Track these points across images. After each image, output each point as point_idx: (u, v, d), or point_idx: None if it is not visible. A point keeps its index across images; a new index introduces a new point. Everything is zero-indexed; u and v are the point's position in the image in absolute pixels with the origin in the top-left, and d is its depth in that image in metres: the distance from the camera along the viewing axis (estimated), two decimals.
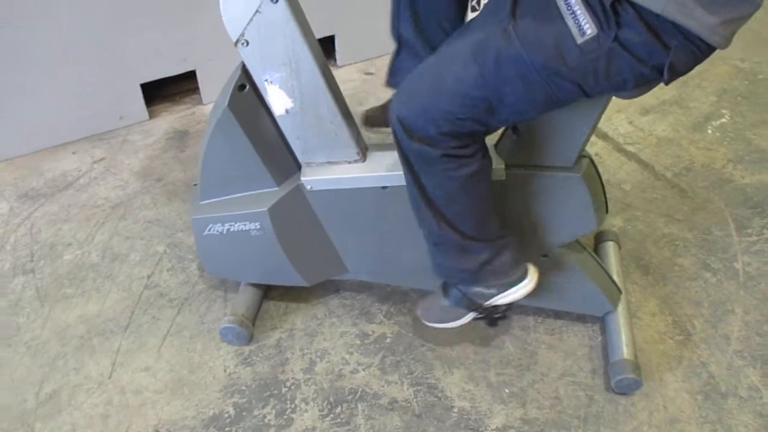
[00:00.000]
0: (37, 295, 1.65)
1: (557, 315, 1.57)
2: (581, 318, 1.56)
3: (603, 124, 2.15)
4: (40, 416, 1.39)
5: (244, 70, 1.29)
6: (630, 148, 2.10)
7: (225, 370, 1.48)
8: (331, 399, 1.42)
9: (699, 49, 0.99)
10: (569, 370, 1.46)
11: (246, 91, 1.30)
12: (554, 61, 1.00)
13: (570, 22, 0.98)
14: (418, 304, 1.43)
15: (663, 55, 0.98)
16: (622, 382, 1.39)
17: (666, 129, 2.18)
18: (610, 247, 1.66)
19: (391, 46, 2.65)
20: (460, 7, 1.36)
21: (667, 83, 1.03)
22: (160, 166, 2.05)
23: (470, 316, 1.34)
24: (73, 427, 1.38)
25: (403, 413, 1.39)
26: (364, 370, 1.47)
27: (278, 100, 1.29)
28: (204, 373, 1.47)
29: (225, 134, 1.33)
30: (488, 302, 1.31)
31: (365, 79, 2.45)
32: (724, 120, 2.21)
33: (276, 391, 1.43)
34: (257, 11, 1.18)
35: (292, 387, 1.44)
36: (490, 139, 1.37)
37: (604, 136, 2.12)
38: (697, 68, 1.07)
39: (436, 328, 1.39)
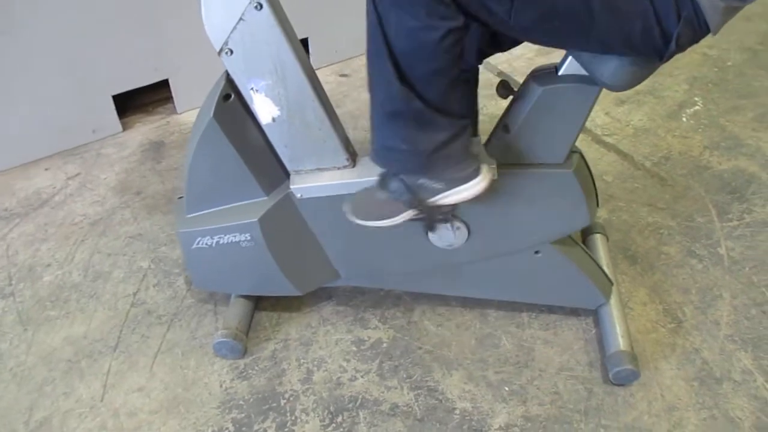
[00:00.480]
0: (19, 319, 1.59)
1: (551, 310, 1.58)
2: (574, 312, 1.57)
3: None
4: None
5: (229, 80, 1.27)
6: (608, 139, 2.12)
7: (221, 386, 1.45)
8: (332, 408, 1.40)
9: (700, 28, 1.01)
10: (567, 364, 1.47)
11: (231, 101, 1.28)
12: None
13: None
14: (345, 202, 1.29)
15: (674, 22, 0.99)
16: (620, 373, 1.40)
17: (642, 119, 2.21)
18: (598, 239, 1.68)
19: (364, 47, 2.63)
20: None
21: (663, 59, 1.04)
22: (137, 179, 2.00)
23: (409, 213, 1.23)
24: None
25: (405, 418, 1.38)
26: (362, 376, 1.46)
27: (264, 109, 1.26)
28: (199, 389, 1.44)
29: (211, 145, 1.30)
30: (432, 199, 1.20)
31: (341, 81, 2.43)
32: (697, 107, 2.25)
33: (275, 404, 1.41)
34: (241, 19, 1.15)
35: (291, 398, 1.42)
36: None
37: (582, 129, 2.14)
38: None
39: (370, 226, 1.27)
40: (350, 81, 2.43)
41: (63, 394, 1.43)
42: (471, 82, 1.38)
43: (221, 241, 1.40)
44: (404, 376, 1.46)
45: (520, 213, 1.35)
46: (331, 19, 2.37)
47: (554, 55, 1.21)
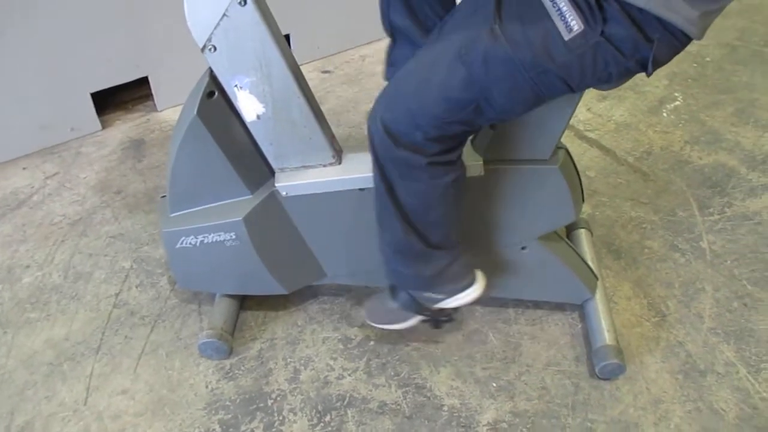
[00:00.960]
0: None
1: (537, 305, 1.58)
2: (560, 306, 1.58)
3: None
4: None
5: (212, 77, 1.25)
6: (591, 135, 2.13)
7: (207, 387, 1.43)
8: (320, 407, 1.39)
9: (679, 41, 1.00)
10: (553, 359, 1.48)
11: (215, 98, 1.26)
12: (542, 59, 1.00)
13: (556, 20, 0.98)
14: (363, 304, 1.44)
15: (646, 48, 0.99)
16: (607, 367, 1.41)
17: (623, 114, 2.22)
18: (583, 235, 1.68)
19: (348, 42, 2.64)
20: None
21: (649, 75, 1.05)
22: (117, 177, 1.97)
23: (417, 319, 1.37)
24: None
25: (394, 416, 1.38)
26: (350, 375, 1.45)
27: (249, 106, 1.25)
28: (185, 391, 1.42)
29: (194, 143, 1.29)
30: (436, 305, 1.33)
31: (323, 78, 2.41)
32: (677, 103, 2.27)
33: (262, 404, 1.40)
34: (224, 15, 1.13)
35: (278, 398, 1.41)
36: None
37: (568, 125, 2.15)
38: None
39: (383, 330, 1.43)
40: (333, 77, 2.41)
41: (45, 397, 1.41)
42: None
43: (205, 241, 1.38)
44: (392, 373, 1.46)
45: (506, 209, 1.36)
46: (313, 15, 2.35)
47: None
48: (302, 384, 1.43)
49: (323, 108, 1.37)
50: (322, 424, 1.36)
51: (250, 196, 1.36)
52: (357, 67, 2.45)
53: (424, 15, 1.31)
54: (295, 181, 1.33)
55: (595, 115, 2.22)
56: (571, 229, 1.71)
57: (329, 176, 1.32)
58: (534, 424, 1.36)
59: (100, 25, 1.97)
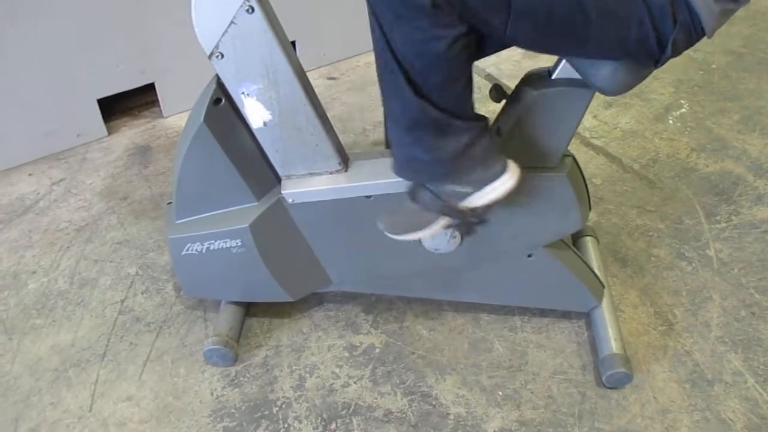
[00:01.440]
0: (4, 328, 1.56)
1: (543, 313, 1.58)
2: (566, 314, 1.57)
3: None
4: None
5: (219, 84, 1.25)
6: (597, 142, 2.13)
7: (212, 394, 1.43)
8: (325, 415, 1.39)
9: (695, 32, 1.01)
10: (560, 368, 1.47)
11: (222, 105, 1.26)
12: None
13: None
14: (379, 217, 1.28)
15: (670, 27, 1.00)
16: (614, 376, 1.40)
17: (629, 121, 2.22)
18: (589, 242, 1.68)
19: (353, 49, 2.64)
20: None
21: (658, 64, 1.05)
22: (123, 184, 1.97)
23: (443, 221, 1.21)
24: None
25: (399, 424, 1.37)
26: (355, 382, 1.45)
27: (256, 113, 1.25)
28: (190, 398, 1.42)
29: (201, 150, 1.29)
30: (464, 203, 1.18)
31: (329, 84, 2.42)
32: (683, 110, 2.27)
33: (267, 412, 1.39)
34: (232, 22, 1.14)
35: (284, 406, 1.40)
36: None
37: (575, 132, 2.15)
38: None
39: (405, 239, 1.26)
40: (338, 84, 2.42)
41: (50, 404, 1.41)
42: None
43: (211, 247, 1.38)
44: (397, 381, 1.45)
45: (513, 216, 1.35)
46: (318, 22, 2.36)
47: (541, 58, 1.21)
48: (307, 392, 1.43)
49: (329, 115, 1.37)
50: None
51: (257, 203, 1.36)
52: (362, 74, 2.45)
53: None
54: (301, 188, 1.33)
55: (601, 122, 2.21)
56: (577, 237, 1.70)
57: (336, 183, 1.32)
58: None
59: (106, 32, 1.98)
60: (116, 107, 2.21)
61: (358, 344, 1.52)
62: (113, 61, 2.03)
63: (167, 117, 2.22)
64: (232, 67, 1.19)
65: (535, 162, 1.29)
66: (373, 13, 1.04)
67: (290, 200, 1.34)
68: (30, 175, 2.01)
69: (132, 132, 2.18)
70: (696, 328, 1.55)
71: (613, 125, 2.20)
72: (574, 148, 2.09)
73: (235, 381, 1.45)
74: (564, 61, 1.18)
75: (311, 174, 1.34)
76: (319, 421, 1.37)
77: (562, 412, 1.39)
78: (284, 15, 1.25)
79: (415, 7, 0.97)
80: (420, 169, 1.17)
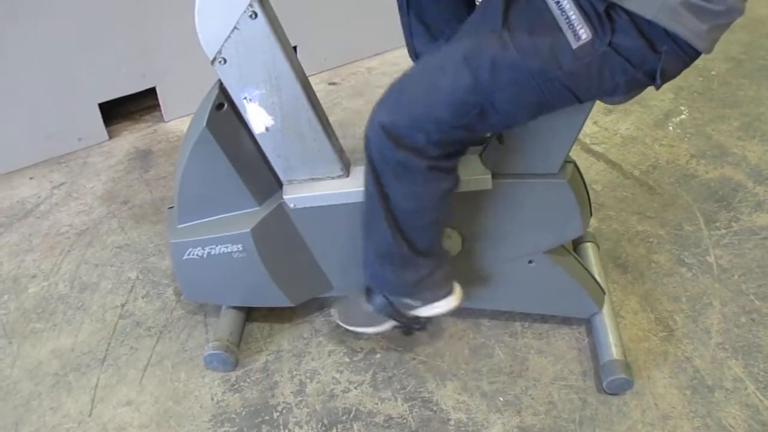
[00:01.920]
0: (4, 332, 1.56)
1: (543, 319, 1.58)
2: (566, 320, 1.57)
3: None
4: None
5: (222, 89, 1.25)
6: (597, 148, 2.13)
7: (212, 399, 1.42)
8: (325, 421, 1.38)
9: (687, 54, 1.01)
10: (560, 373, 1.47)
11: (224, 110, 1.26)
12: (550, 67, 1.01)
13: (565, 28, 0.98)
14: (334, 305, 1.45)
15: (654, 60, 1.00)
16: (614, 382, 1.40)
17: (629, 128, 2.23)
18: (590, 248, 1.68)
19: (354, 54, 2.64)
20: (468, 10, 1.32)
21: (658, 88, 1.05)
22: (124, 188, 1.97)
23: (390, 324, 1.36)
24: None
25: (400, 430, 1.37)
26: (356, 388, 1.45)
27: (258, 118, 1.25)
28: (190, 403, 1.42)
29: (203, 155, 1.29)
30: (411, 312, 1.33)
31: (330, 90, 2.42)
32: (683, 116, 2.28)
33: (267, 417, 1.39)
34: (235, 28, 1.14)
35: (284, 411, 1.40)
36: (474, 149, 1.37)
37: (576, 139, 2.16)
38: None
39: (354, 332, 1.43)
40: (339, 89, 2.42)
41: (50, 408, 1.40)
42: None
43: (213, 252, 1.38)
44: (398, 387, 1.45)
45: (514, 223, 1.35)
46: (320, 28, 2.36)
47: None
48: (308, 397, 1.43)
49: (329, 120, 1.37)
50: None
51: (258, 208, 1.36)
52: (363, 79, 2.45)
53: (445, 38, 1.31)
54: (303, 193, 1.33)
55: (602, 128, 2.22)
56: (578, 243, 1.70)
57: (337, 189, 1.33)
58: None
59: (107, 36, 1.98)
60: (117, 111, 2.21)
61: (358, 349, 1.52)
62: (115, 65, 2.03)
63: (168, 121, 2.23)
64: (235, 72, 1.19)
65: (537, 169, 1.29)
66: (371, 165, 1.14)
67: (292, 205, 1.34)
68: (31, 178, 2.01)
69: (133, 136, 2.18)
70: (696, 334, 1.55)
71: (614, 131, 2.20)
72: (575, 154, 2.09)
73: (236, 386, 1.45)
74: None
75: (313, 179, 1.34)
76: (319, 426, 1.37)
77: (562, 418, 1.39)
78: (285, 20, 1.25)
79: (414, 169, 1.11)
80: (383, 285, 1.33)
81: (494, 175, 1.29)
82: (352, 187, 1.32)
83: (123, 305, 1.62)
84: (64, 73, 1.97)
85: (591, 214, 1.45)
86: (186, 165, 1.31)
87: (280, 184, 1.35)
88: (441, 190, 1.17)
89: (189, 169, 1.32)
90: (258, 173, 1.34)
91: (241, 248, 1.37)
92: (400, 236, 1.20)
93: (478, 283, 1.46)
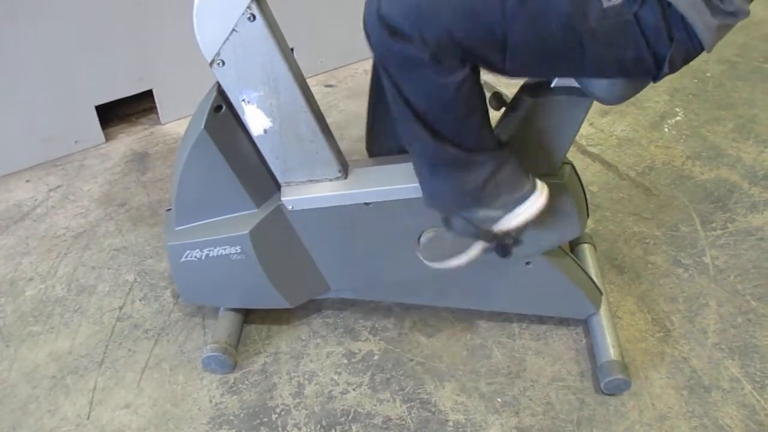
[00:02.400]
0: (1, 335, 1.55)
1: (541, 320, 1.58)
2: (564, 321, 1.58)
3: None
4: None
5: (220, 91, 1.25)
6: (593, 150, 2.14)
7: (211, 401, 1.42)
8: (324, 422, 1.38)
9: (693, 48, 1.02)
10: (558, 374, 1.47)
11: (222, 113, 1.27)
12: (577, 16, 0.98)
13: None
14: (417, 247, 1.31)
15: (666, 45, 1.00)
16: (612, 383, 1.40)
17: (625, 129, 2.23)
18: (586, 249, 1.69)
19: (351, 57, 2.64)
20: None
21: (657, 80, 1.06)
22: (121, 190, 1.97)
23: (479, 246, 1.23)
24: None
25: (399, 431, 1.37)
26: (354, 389, 1.45)
27: (256, 120, 1.25)
28: (189, 405, 1.41)
29: (201, 157, 1.29)
30: (497, 226, 1.20)
31: (326, 92, 2.43)
32: (678, 118, 2.29)
33: (266, 419, 1.39)
34: (233, 30, 1.14)
35: (283, 413, 1.40)
36: None
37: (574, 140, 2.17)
38: None
39: (447, 268, 1.27)
40: (336, 91, 2.43)
41: (48, 411, 1.40)
42: None
43: (211, 254, 1.38)
44: (396, 388, 1.45)
45: None
46: (316, 30, 2.37)
47: None
48: (306, 399, 1.43)
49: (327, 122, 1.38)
50: None
51: (256, 210, 1.36)
52: (360, 81, 2.46)
53: None
54: (301, 195, 1.33)
55: (597, 130, 2.23)
56: (575, 244, 1.71)
57: (335, 190, 1.33)
58: None
59: (104, 39, 1.98)
60: (114, 114, 2.21)
61: (356, 351, 1.53)
62: (112, 67, 2.03)
63: (165, 124, 2.22)
64: (233, 74, 1.20)
65: (534, 170, 1.29)
66: (381, 65, 1.08)
67: (290, 207, 1.34)
68: (27, 181, 2.01)
69: (130, 139, 2.18)
70: (693, 334, 1.56)
71: (609, 133, 2.21)
72: (571, 155, 2.10)
73: (234, 388, 1.45)
74: None
75: (311, 181, 1.34)
76: (318, 428, 1.37)
77: (560, 418, 1.39)
78: (282, 22, 1.25)
79: (417, 61, 1.02)
80: (448, 201, 1.21)
81: None
82: (349, 188, 1.32)
83: (120, 308, 1.62)
84: (61, 75, 1.96)
85: (588, 216, 1.46)
86: (184, 167, 1.31)
87: (278, 186, 1.36)
88: (454, 83, 1.05)
89: (187, 172, 1.32)
90: (256, 175, 1.34)
91: (239, 250, 1.37)
92: (440, 137, 1.09)
93: (476, 284, 1.46)
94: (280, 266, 1.42)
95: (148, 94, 2.16)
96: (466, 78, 1.06)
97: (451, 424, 1.38)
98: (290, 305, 1.48)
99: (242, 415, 1.40)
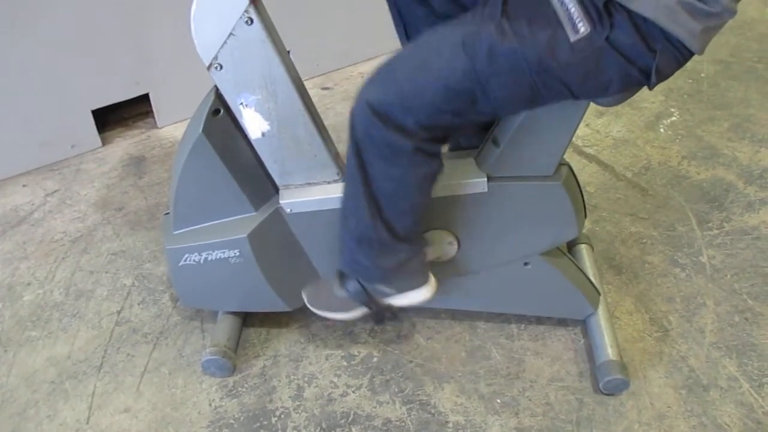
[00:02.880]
0: None
1: (539, 321, 1.59)
2: (562, 322, 1.58)
3: None
4: None
5: (218, 95, 1.26)
6: (589, 150, 2.15)
7: (210, 404, 1.42)
8: (324, 425, 1.38)
9: (681, 54, 1.02)
10: (557, 375, 1.48)
11: (220, 116, 1.27)
12: (546, 58, 1.01)
13: (564, 21, 0.99)
14: (305, 288, 1.42)
15: (649, 58, 1.01)
16: (611, 383, 1.41)
17: (621, 130, 2.24)
18: (584, 250, 1.69)
19: (347, 59, 2.65)
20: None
21: (651, 88, 1.06)
22: (118, 194, 1.97)
23: (362, 310, 1.35)
24: None
25: None
26: (354, 392, 1.45)
27: (254, 124, 1.26)
28: (188, 409, 1.41)
29: (200, 161, 1.29)
30: (385, 300, 1.32)
31: (323, 95, 2.43)
32: (674, 118, 2.30)
33: (266, 422, 1.39)
34: (231, 34, 1.15)
35: (282, 416, 1.40)
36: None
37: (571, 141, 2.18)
38: None
39: (324, 317, 1.40)
40: (332, 94, 2.43)
41: (47, 417, 1.40)
42: None
43: (209, 258, 1.38)
44: (396, 390, 1.45)
45: (510, 225, 1.36)
46: (312, 32, 2.37)
47: None
48: (306, 401, 1.43)
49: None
50: None
51: (255, 213, 1.36)
52: (356, 84, 2.45)
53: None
54: (299, 198, 1.34)
55: (593, 130, 2.23)
56: (572, 244, 1.71)
57: (333, 193, 1.33)
58: None
59: (100, 43, 1.98)
60: (110, 118, 2.21)
61: (356, 353, 1.53)
62: (108, 71, 2.03)
63: (162, 127, 2.22)
64: (231, 78, 1.20)
65: (532, 171, 1.30)
66: (355, 145, 1.13)
67: (288, 210, 1.34)
68: (24, 186, 2.00)
69: (126, 143, 2.18)
70: (691, 334, 1.56)
71: (605, 134, 2.22)
72: (567, 156, 2.08)
73: (233, 391, 1.45)
74: None
75: (309, 184, 1.34)
76: (318, 430, 1.37)
77: (560, 419, 1.40)
78: (278, 25, 1.26)
79: (399, 150, 1.10)
80: (360, 271, 1.30)
81: (489, 178, 1.30)
82: None
83: (119, 312, 1.62)
84: (58, 79, 1.96)
85: (586, 216, 1.46)
86: (182, 171, 1.31)
87: (276, 189, 1.36)
88: (424, 173, 1.16)
89: (185, 175, 1.32)
90: (254, 178, 1.34)
91: (238, 253, 1.37)
92: (380, 220, 1.19)
93: (474, 285, 1.47)
94: (279, 269, 1.42)
95: (144, 98, 2.16)
96: (437, 171, 1.17)
97: (450, 425, 1.39)
98: (289, 308, 1.48)
99: (242, 418, 1.40)
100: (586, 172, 2.05)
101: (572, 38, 0.99)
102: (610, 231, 1.84)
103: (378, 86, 1.10)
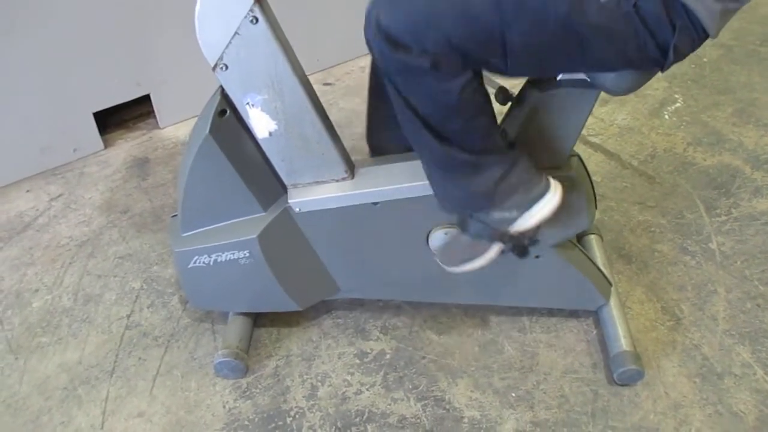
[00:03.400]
0: (9, 347, 1.54)
1: (551, 313, 1.58)
2: (574, 313, 1.58)
3: None
4: None
5: (224, 95, 1.24)
6: (594, 140, 2.14)
7: (224, 406, 1.42)
8: (339, 424, 1.38)
9: (697, 35, 1.01)
10: (571, 367, 1.47)
11: (227, 117, 1.25)
12: (575, 14, 0.98)
13: None
14: (436, 252, 1.31)
15: (669, 33, 1.00)
16: (625, 373, 1.40)
17: (626, 118, 2.23)
18: (594, 240, 1.68)
19: (348, 54, 2.63)
20: None
21: (665, 69, 1.05)
22: (123, 197, 1.96)
23: (496, 247, 1.23)
24: None
25: (414, 430, 1.37)
26: (368, 389, 1.44)
27: (261, 123, 1.24)
28: (202, 411, 1.41)
29: (207, 162, 1.28)
30: (513, 227, 1.20)
31: (324, 90, 2.41)
32: (678, 105, 2.28)
33: (281, 423, 1.39)
34: (236, 33, 1.13)
35: (297, 416, 1.40)
36: None
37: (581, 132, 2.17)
38: None
39: (465, 271, 1.27)
40: (334, 89, 2.41)
41: (61, 423, 1.39)
42: None
43: (219, 260, 1.37)
44: (410, 386, 1.45)
45: None
46: (312, 27, 2.35)
47: None
48: (320, 401, 1.42)
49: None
50: None
51: (264, 214, 1.35)
52: (358, 79, 2.45)
53: None
54: (308, 196, 1.33)
55: (598, 119, 2.22)
56: (581, 235, 1.70)
57: (342, 191, 1.32)
58: None
59: (100, 45, 1.96)
60: (111, 120, 2.19)
61: (368, 351, 1.52)
62: (108, 73, 2.01)
63: (163, 128, 2.21)
64: (237, 78, 1.18)
65: (542, 163, 1.28)
66: (385, 75, 1.09)
67: (297, 209, 1.33)
68: (28, 191, 1.99)
69: (129, 144, 2.16)
70: (703, 322, 1.56)
71: (610, 122, 2.21)
72: None
73: (247, 393, 1.44)
74: None
75: (317, 182, 1.33)
76: (333, 429, 1.37)
77: (575, 411, 1.39)
78: (279, 20, 1.24)
79: (419, 70, 1.03)
80: (461, 204, 1.21)
81: None
82: (356, 189, 1.32)
83: (128, 316, 1.61)
84: (58, 83, 1.95)
85: (596, 207, 1.45)
86: (189, 173, 1.30)
87: (284, 189, 1.35)
88: (456, 88, 1.05)
89: (193, 177, 1.31)
90: (262, 178, 1.33)
91: (247, 254, 1.36)
92: (447, 142, 1.10)
93: (486, 279, 1.46)
94: (289, 269, 1.41)
95: (145, 99, 2.14)
96: (469, 82, 1.06)
97: (466, 420, 1.38)
98: (300, 307, 1.48)
99: (257, 419, 1.39)
100: (591, 162, 2.04)
101: None
102: (618, 220, 1.84)
103: (387, 7, 1.02)
